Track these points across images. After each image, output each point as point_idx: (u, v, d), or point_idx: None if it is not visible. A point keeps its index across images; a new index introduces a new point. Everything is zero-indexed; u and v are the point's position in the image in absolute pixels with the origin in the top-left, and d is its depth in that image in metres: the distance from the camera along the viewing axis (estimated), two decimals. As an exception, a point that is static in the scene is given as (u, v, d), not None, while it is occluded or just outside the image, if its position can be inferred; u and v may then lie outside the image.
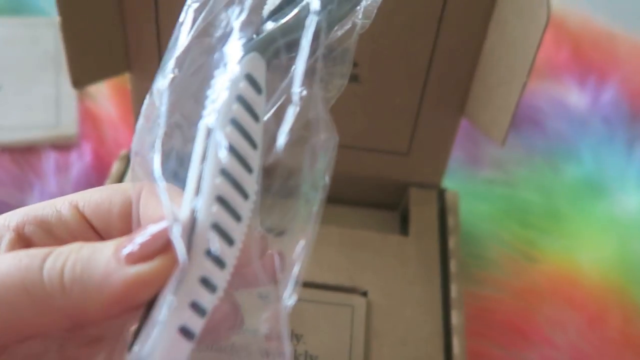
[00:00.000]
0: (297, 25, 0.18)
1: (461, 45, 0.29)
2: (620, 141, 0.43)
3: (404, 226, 0.35)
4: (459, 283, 0.30)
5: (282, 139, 0.17)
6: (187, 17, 0.18)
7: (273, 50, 0.18)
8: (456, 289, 0.29)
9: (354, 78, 0.31)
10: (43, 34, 0.46)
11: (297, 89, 0.17)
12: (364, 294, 0.29)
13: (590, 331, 0.32)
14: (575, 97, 0.46)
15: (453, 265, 0.30)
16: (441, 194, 0.34)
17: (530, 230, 0.37)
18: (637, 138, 0.44)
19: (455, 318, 0.28)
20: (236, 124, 0.16)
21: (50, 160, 0.39)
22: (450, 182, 0.36)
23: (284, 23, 0.18)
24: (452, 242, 0.31)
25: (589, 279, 0.35)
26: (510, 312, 0.33)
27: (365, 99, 0.31)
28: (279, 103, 0.18)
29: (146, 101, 0.18)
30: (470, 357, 0.29)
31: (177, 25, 0.18)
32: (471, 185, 0.39)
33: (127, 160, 0.35)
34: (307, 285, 0.30)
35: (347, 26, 0.20)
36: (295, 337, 0.27)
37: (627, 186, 0.41)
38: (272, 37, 0.18)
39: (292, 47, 0.18)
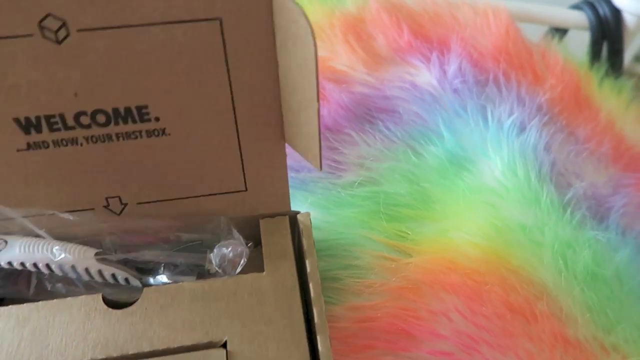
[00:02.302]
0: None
1: (256, 76, 0.28)
2: (473, 109, 0.44)
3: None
4: (321, 306, 0.29)
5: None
6: None
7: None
8: (318, 313, 0.28)
9: (160, 132, 0.30)
10: None
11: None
12: (224, 345, 0.28)
13: (473, 312, 0.32)
14: (426, 76, 0.47)
15: (312, 289, 0.29)
16: (292, 218, 0.33)
17: (401, 223, 0.36)
18: (488, 101, 0.44)
19: (320, 344, 0.27)
20: None
21: None
22: (311, 196, 0.35)
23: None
24: (308, 265, 0.30)
25: (465, 257, 0.35)
26: (392, 314, 0.32)
27: (183, 148, 0.31)
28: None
29: None
30: (362, 374, 0.28)
31: None
32: (333, 193, 0.38)
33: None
34: (161, 353, 0.28)
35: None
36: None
37: (488, 152, 0.41)
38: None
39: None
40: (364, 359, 0.30)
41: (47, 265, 0.31)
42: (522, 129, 0.43)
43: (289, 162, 0.32)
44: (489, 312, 0.32)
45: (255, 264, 0.32)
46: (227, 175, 0.32)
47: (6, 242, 0.32)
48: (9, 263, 0.32)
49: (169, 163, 0.31)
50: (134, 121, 0.29)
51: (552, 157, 0.41)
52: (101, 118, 0.29)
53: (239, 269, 0.31)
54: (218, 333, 0.28)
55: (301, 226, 0.33)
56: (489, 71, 0.47)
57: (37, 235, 0.32)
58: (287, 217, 0.33)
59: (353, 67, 0.46)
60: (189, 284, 0.30)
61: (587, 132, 0.46)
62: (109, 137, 0.30)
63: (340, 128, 0.41)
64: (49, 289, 0.32)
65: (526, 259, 0.35)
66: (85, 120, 0.29)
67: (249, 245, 0.32)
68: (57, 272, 0.32)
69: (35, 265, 0.31)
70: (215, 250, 0.31)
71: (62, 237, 0.33)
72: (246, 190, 0.33)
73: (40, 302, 0.30)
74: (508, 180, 0.39)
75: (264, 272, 0.31)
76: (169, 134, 0.30)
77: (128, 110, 0.29)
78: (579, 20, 0.62)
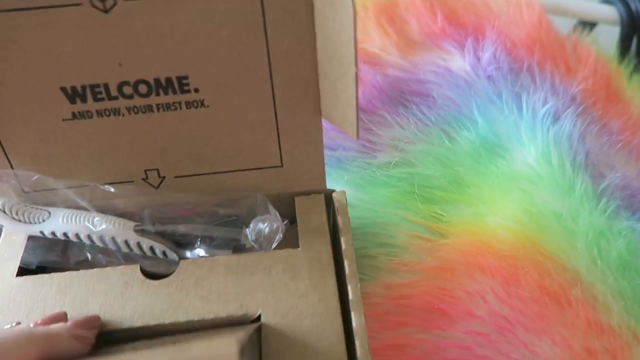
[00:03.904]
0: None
1: (294, 46, 0.28)
2: (508, 96, 0.44)
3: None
4: (355, 283, 0.29)
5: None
6: None
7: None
8: (352, 289, 0.28)
9: (200, 104, 0.30)
10: None
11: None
12: (257, 318, 0.28)
13: (508, 295, 0.32)
14: (459, 62, 0.46)
15: (347, 266, 0.29)
16: (327, 196, 0.33)
17: (435, 205, 0.36)
18: (523, 90, 0.44)
19: (354, 320, 0.27)
20: None
21: None
22: (346, 174, 0.35)
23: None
24: (343, 243, 0.30)
25: (500, 241, 0.35)
26: (428, 293, 0.32)
27: (220, 121, 0.31)
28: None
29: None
30: (396, 349, 0.28)
31: None
32: (369, 173, 0.38)
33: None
34: (197, 323, 0.28)
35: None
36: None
37: (522, 139, 0.41)
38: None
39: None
40: (398, 336, 0.30)
41: (89, 236, 0.32)
42: (556, 118, 0.42)
43: (324, 140, 0.32)
44: (525, 295, 0.32)
45: (289, 241, 0.32)
46: (263, 150, 0.32)
47: (50, 212, 0.32)
48: (52, 233, 0.32)
49: (206, 136, 0.31)
50: (174, 92, 0.30)
51: (586, 147, 0.41)
52: (143, 88, 0.29)
53: (274, 245, 0.31)
54: (252, 306, 0.28)
55: (337, 204, 0.33)
56: (522, 60, 0.47)
57: (79, 207, 0.33)
58: (322, 195, 0.33)
59: (386, 50, 0.46)
60: (225, 257, 0.30)
61: (620, 125, 0.46)
62: (149, 108, 0.30)
63: (374, 109, 0.41)
64: (89, 259, 0.33)
65: (560, 246, 0.35)
66: (127, 90, 0.29)
67: (284, 222, 0.32)
68: (98, 243, 0.32)
69: (77, 235, 0.32)
70: (251, 225, 0.32)
71: (103, 209, 0.33)
72: (282, 166, 0.33)
73: (81, 271, 0.31)
74: (542, 167, 0.39)
75: (299, 248, 0.31)
76: (208, 106, 0.30)
77: (169, 80, 0.29)
78: (609, 14, 0.61)
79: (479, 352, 0.30)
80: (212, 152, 0.32)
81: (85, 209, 0.33)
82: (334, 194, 0.33)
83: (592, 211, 0.37)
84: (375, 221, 0.35)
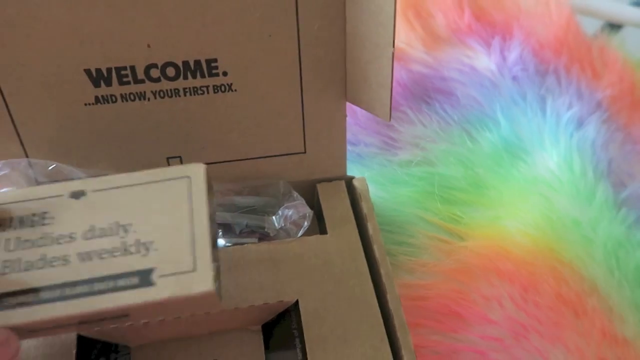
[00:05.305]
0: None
1: (325, 29, 0.28)
2: (532, 99, 0.43)
3: (322, 225, 0.33)
4: (387, 267, 0.29)
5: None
6: None
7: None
8: (385, 273, 0.29)
9: (227, 88, 0.29)
10: None
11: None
12: (294, 305, 0.28)
13: (525, 301, 0.32)
14: (484, 60, 0.46)
15: (376, 251, 0.30)
16: (349, 183, 0.33)
17: (455, 207, 0.36)
18: (548, 92, 0.44)
19: (390, 302, 0.28)
20: None
21: None
22: (367, 171, 0.35)
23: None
24: (370, 228, 0.30)
25: (519, 246, 0.34)
26: (444, 296, 0.32)
27: (247, 105, 0.30)
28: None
29: None
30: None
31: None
32: (389, 170, 0.38)
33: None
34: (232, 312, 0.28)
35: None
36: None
37: (544, 143, 0.41)
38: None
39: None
40: (412, 336, 0.30)
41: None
42: (580, 123, 0.42)
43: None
44: (541, 302, 0.32)
45: (309, 228, 0.32)
46: (288, 135, 0.32)
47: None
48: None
49: (232, 121, 0.31)
50: (202, 75, 0.29)
51: (609, 155, 0.41)
52: (171, 71, 0.29)
53: (302, 232, 0.31)
54: (289, 293, 0.28)
55: (358, 191, 0.32)
56: (549, 62, 0.46)
57: None
58: (343, 181, 0.33)
59: (411, 44, 0.45)
60: (254, 245, 0.30)
61: (643, 133, 0.45)
62: (176, 92, 0.30)
63: (397, 105, 0.41)
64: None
65: (578, 254, 0.35)
66: (155, 73, 0.29)
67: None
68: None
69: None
70: (279, 212, 0.31)
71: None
72: (305, 152, 0.33)
73: None
74: (563, 173, 0.39)
75: (328, 235, 0.31)
76: (235, 90, 0.30)
77: (198, 63, 0.29)
78: (639, 17, 0.60)
79: (493, 356, 0.30)
80: (236, 139, 0.32)
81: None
82: (354, 181, 0.33)
83: (611, 220, 0.37)
84: (395, 220, 0.35)
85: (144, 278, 0.22)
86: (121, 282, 0.22)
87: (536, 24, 0.49)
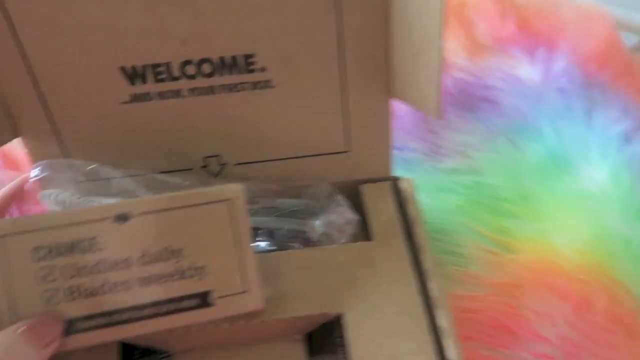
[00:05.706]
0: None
1: (367, 22, 0.27)
2: (578, 111, 0.42)
3: (366, 229, 0.32)
4: (437, 278, 0.27)
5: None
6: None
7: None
8: (435, 286, 0.27)
9: (266, 84, 0.28)
10: None
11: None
12: (337, 317, 0.27)
13: (578, 319, 0.30)
14: (528, 70, 0.45)
15: (426, 260, 0.28)
16: (394, 183, 0.32)
17: (502, 218, 0.35)
18: (594, 105, 0.42)
19: (442, 319, 0.26)
20: None
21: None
22: (412, 176, 0.34)
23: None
24: (418, 235, 0.29)
25: (569, 261, 0.33)
26: (494, 309, 0.31)
27: (286, 102, 0.29)
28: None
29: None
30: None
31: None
32: (435, 177, 0.37)
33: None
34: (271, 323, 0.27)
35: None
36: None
37: (591, 156, 0.40)
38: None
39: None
40: (462, 350, 0.29)
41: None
42: (627, 138, 0.41)
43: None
44: (594, 320, 0.30)
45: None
46: (329, 133, 0.31)
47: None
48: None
49: (271, 119, 0.30)
50: (240, 71, 0.28)
51: (658, 172, 0.39)
52: (207, 68, 0.28)
53: (346, 238, 0.30)
54: (332, 304, 0.27)
55: (405, 193, 0.31)
56: (594, 75, 0.45)
57: (135, 197, 0.31)
58: (388, 182, 0.32)
59: (454, 51, 0.45)
60: (296, 251, 0.29)
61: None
62: (212, 90, 0.29)
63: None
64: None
65: (629, 273, 0.33)
66: (191, 70, 0.28)
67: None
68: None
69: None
70: (322, 216, 0.30)
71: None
72: (348, 151, 0.31)
73: None
74: (612, 189, 0.37)
75: (373, 241, 0.29)
76: (274, 86, 0.29)
77: (235, 59, 0.28)
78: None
79: (545, 376, 0.29)
80: (276, 137, 0.31)
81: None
82: (400, 182, 0.31)
83: (663, 239, 0.36)
84: (442, 227, 0.34)
85: (204, 299, 0.25)
86: (185, 304, 0.24)
87: (579, 37, 0.48)
